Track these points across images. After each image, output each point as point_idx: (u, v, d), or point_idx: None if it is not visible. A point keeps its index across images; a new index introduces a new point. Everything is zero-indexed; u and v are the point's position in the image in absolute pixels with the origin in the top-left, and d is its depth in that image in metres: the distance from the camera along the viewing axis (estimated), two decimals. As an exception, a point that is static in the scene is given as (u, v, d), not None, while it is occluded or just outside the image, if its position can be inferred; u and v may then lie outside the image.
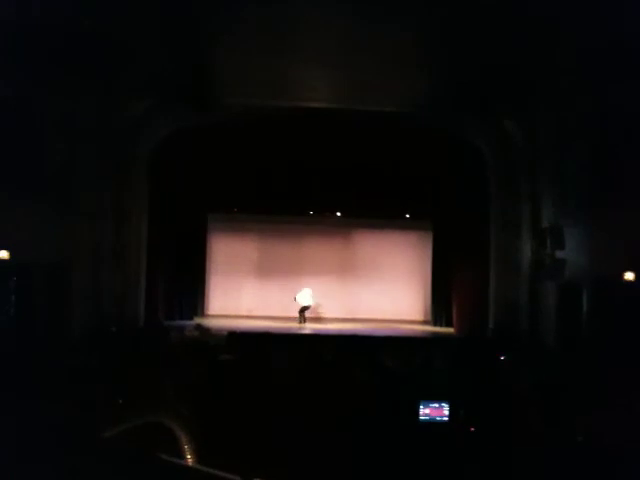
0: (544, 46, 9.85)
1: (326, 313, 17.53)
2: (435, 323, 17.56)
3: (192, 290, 17.43)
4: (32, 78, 9.98)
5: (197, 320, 15.91)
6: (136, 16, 9.36)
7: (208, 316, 17.49)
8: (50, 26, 9.07)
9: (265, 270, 18.16)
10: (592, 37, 9.02)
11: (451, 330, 16.67)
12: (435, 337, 15.68)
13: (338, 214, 17.91)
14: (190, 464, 1.43)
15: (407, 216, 17.90)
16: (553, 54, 10.14)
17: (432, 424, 4.08)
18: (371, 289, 18.03)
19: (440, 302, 17.58)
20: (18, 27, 8.72)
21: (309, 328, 16.17)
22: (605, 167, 10.44)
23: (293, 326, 16.28)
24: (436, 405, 4.08)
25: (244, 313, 17.37)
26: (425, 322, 17.93)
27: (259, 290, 18.03)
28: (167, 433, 1.46)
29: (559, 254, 12.19)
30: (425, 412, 4.09)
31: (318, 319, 17.38)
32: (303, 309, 16.97)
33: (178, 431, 1.46)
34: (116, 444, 1.33)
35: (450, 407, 4.12)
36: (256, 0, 8.96)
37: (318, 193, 16.40)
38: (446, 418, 4.06)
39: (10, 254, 10.04)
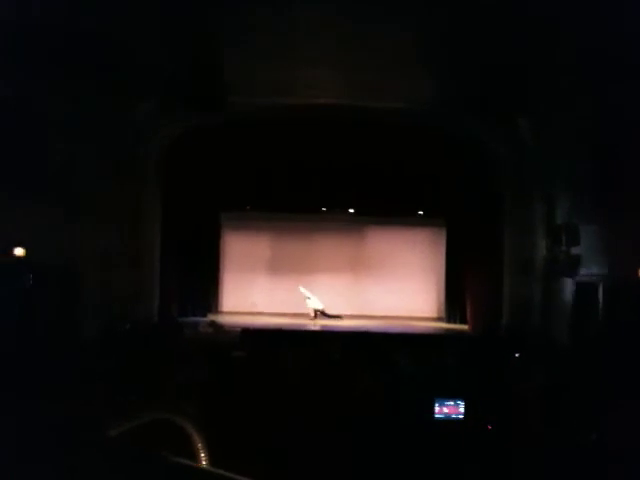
0: (553, 44, 9.78)
1: (339, 310, 17.49)
2: (449, 320, 17.49)
3: (205, 287, 17.52)
4: (43, 81, 10.04)
5: (210, 317, 15.98)
6: (147, 19, 9.41)
7: (221, 313, 17.55)
8: (61, 29, 9.13)
9: (278, 267, 18.19)
10: (599, 35, 8.93)
11: (465, 327, 16.60)
12: (449, 334, 15.63)
13: (351, 211, 17.87)
14: (201, 464, 1.40)
15: (420, 213, 17.83)
16: (564, 52, 10.07)
17: (448, 422, 4.06)
18: (384, 286, 17.99)
19: (454, 299, 17.51)
20: (25, 29, 8.77)
21: (322, 325, 16.17)
22: (618, 164, 10.34)
23: (306, 323, 16.28)
24: (451, 403, 4.06)
25: (251, 309, 17.39)
26: (439, 319, 17.87)
27: (272, 287, 18.06)
28: (178, 431, 1.44)
29: (573, 251, 12.10)
30: (440, 410, 4.07)
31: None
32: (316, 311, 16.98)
33: (189, 429, 1.43)
34: (121, 443, 1.31)
35: (465, 405, 4.09)
36: (263, 1, 8.96)
37: (330, 190, 16.38)
38: (462, 416, 4.04)
39: (25, 253, 10.13)
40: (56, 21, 8.97)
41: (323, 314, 16.83)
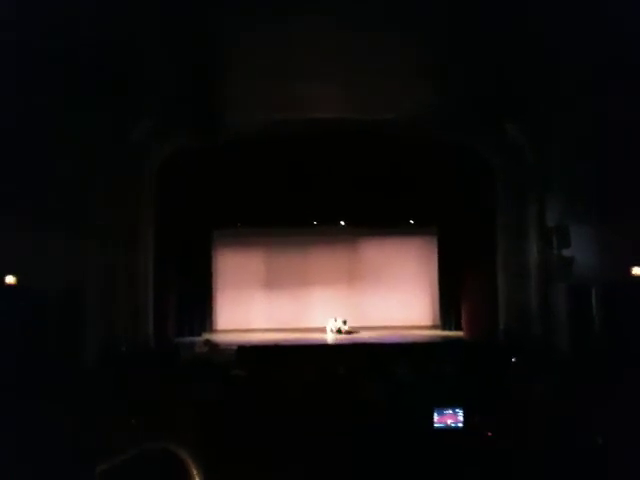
0: (545, 51, 9.89)
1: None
2: (444, 327, 17.52)
3: (200, 306, 17.45)
4: (43, 103, 10.07)
5: (206, 336, 15.91)
6: (142, 39, 9.47)
7: (217, 331, 17.49)
8: (61, 50, 9.18)
9: (272, 283, 18.17)
10: (595, 41, 9.04)
11: (460, 334, 16.62)
12: (445, 342, 15.63)
13: (342, 223, 17.90)
14: None
15: (411, 222, 17.89)
16: (556, 58, 10.17)
17: (447, 431, 4.07)
18: (379, 296, 18.00)
19: (448, 306, 17.54)
20: (32, 55, 8.83)
21: (318, 339, 16.14)
22: (612, 166, 10.40)
23: (303, 337, 16.24)
24: (450, 412, 4.07)
25: (252, 327, 17.36)
26: (434, 327, 17.89)
27: (267, 303, 18.03)
28: (174, 459, 1.42)
29: (568, 254, 12.14)
30: (440, 419, 4.07)
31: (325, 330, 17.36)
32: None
33: (184, 456, 1.42)
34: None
35: (464, 412, 4.10)
36: (260, 19, 9.03)
37: (321, 203, 16.41)
38: (461, 424, 4.05)
39: (21, 278, 10.09)
40: (57, 42, 9.03)
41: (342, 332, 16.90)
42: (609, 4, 8.05)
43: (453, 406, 4.04)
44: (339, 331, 16.89)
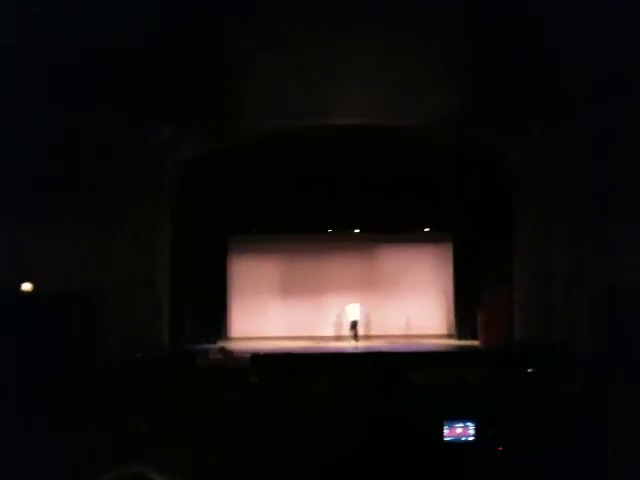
0: (564, 55, 9.83)
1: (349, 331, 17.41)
2: (460, 337, 17.37)
3: (215, 313, 17.45)
4: (62, 108, 10.18)
5: (220, 344, 15.93)
6: (155, 43, 9.56)
7: (232, 339, 17.49)
8: (79, 58, 9.29)
9: (287, 290, 18.15)
10: (614, 44, 8.96)
11: (476, 343, 16.48)
12: (460, 351, 15.52)
13: (357, 231, 17.87)
14: None
15: (427, 229, 17.83)
16: (575, 59, 10.09)
17: (458, 444, 4.01)
18: (394, 304, 17.90)
19: (464, 315, 17.39)
20: (43, 57, 8.94)
21: (333, 347, 16.10)
22: (635, 170, 10.22)
23: (317, 346, 16.21)
24: (461, 425, 4.01)
25: (267, 334, 17.36)
26: (450, 336, 17.75)
27: (282, 311, 18.01)
28: None
29: (587, 261, 11.97)
30: (450, 432, 4.02)
31: (340, 337, 17.33)
32: (353, 325, 16.97)
33: None
34: None
35: (477, 425, 4.04)
36: (276, 21, 9.06)
37: (336, 210, 16.40)
38: (472, 438, 3.99)
39: (39, 283, 10.17)
40: (75, 51, 9.15)
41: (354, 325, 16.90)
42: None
43: (465, 418, 3.98)
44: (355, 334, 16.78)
